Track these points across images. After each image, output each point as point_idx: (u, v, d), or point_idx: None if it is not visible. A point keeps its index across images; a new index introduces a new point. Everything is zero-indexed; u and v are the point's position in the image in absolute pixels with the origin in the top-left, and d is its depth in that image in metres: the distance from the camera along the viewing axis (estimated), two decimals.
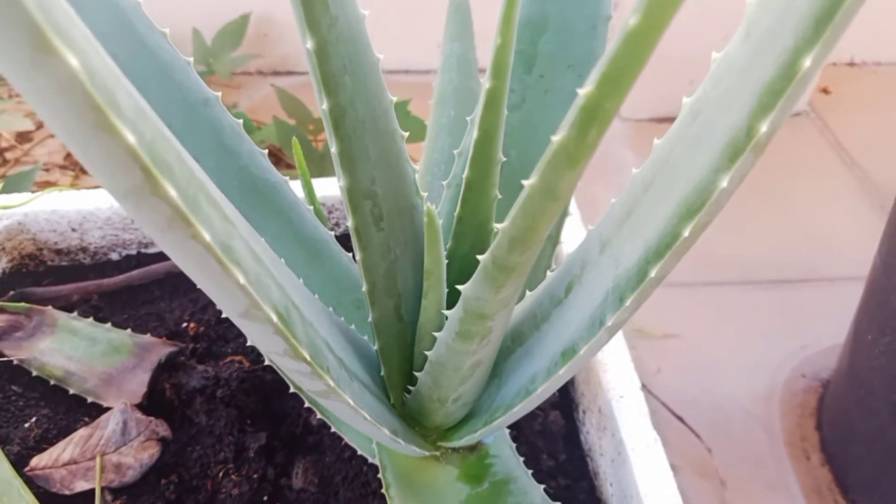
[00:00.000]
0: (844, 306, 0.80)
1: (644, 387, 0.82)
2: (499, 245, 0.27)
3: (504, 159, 0.36)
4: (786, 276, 0.94)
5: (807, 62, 0.21)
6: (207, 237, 0.22)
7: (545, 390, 0.35)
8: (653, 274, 0.28)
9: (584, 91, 0.20)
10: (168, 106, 0.39)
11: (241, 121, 0.44)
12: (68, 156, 1.21)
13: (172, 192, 0.20)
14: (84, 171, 1.17)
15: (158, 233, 0.22)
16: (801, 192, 1.04)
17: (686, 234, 0.27)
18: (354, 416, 0.34)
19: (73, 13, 0.17)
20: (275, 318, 0.26)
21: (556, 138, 0.22)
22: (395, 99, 0.35)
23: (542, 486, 0.45)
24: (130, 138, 0.18)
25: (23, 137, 1.24)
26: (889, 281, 0.64)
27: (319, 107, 0.31)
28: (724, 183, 0.25)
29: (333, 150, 0.32)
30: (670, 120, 1.23)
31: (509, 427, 0.54)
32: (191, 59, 0.42)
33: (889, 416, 0.68)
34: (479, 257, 0.28)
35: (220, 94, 0.43)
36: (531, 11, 0.46)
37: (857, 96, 1.24)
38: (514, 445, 0.48)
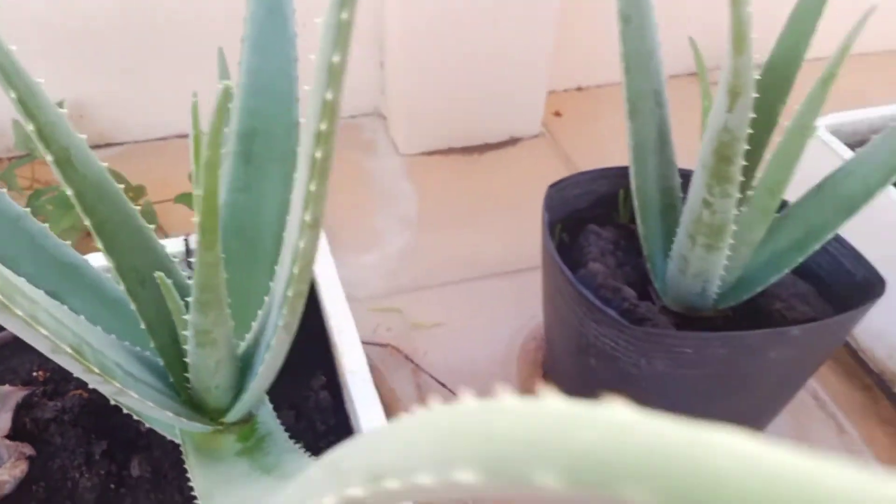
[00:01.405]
0: None
1: (417, 366, 1.07)
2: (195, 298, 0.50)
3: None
4: (519, 266, 1.22)
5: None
6: (20, 313, 0.43)
7: (267, 370, 0.58)
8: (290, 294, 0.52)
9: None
10: None
11: (47, 225, 0.64)
12: None
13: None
14: None
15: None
16: (537, 200, 1.33)
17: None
18: (142, 405, 0.56)
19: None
20: (70, 351, 0.48)
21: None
22: (137, 208, 0.57)
23: (320, 443, 0.69)
24: None
25: None
26: (544, 272, 0.93)
27: (89, 226, 0.53)
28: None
29: (101, 245, 0.54)
30: (440, 153, 1.50)
31: (294, 410, 0.78)
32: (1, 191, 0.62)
33: (570, 365, 0.96)
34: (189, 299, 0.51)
35: (28, 212, 0.63)
36: (245, 125, 0.69)
37: (583, 116, 1.55)
38: (275, 414, 0.70)
